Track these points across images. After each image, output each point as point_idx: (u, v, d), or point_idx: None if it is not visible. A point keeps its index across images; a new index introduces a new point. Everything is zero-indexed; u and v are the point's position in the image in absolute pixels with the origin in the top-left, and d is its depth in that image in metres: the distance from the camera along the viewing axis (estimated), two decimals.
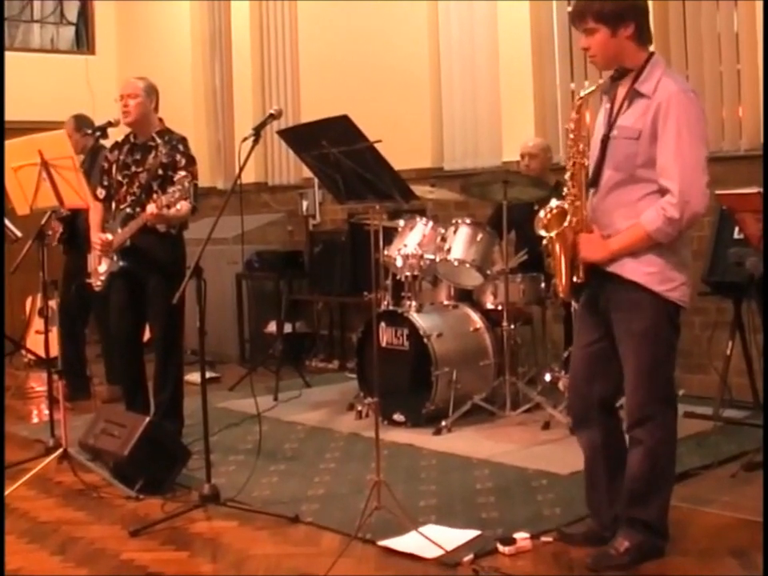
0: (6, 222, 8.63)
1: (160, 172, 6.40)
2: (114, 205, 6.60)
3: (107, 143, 7.22)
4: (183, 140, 6.53)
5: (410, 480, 5.79)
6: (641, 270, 4.22)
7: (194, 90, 12.49)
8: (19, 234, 8.73)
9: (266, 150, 11.36)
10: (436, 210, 9.03)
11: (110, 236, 6.44)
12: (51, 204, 6.09)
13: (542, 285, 7.29)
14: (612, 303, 4.31)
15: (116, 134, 6.98)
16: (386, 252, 7.38)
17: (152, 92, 6.57)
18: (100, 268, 6.57)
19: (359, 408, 7.37)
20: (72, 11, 13.36)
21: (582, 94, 4.36)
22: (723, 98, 7.67)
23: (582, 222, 4.33)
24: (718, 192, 6.05)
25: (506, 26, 8.96)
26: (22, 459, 6.24)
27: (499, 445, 6.52)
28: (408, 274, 7.33)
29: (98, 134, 7.08)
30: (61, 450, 6.06)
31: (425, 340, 6.98)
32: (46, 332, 6.42)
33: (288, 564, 4.61)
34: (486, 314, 7.43)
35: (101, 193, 6.68)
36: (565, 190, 4.38)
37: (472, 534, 4.78)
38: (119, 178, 6.57)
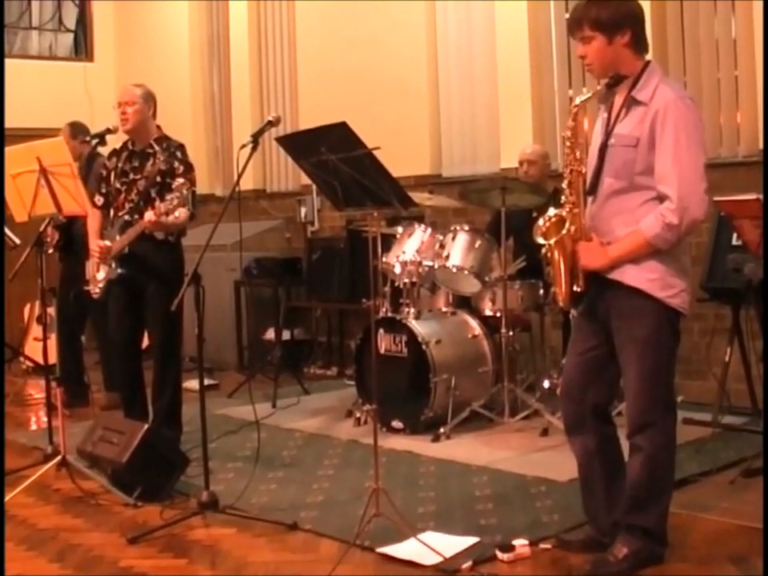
0: (5, 229, 8.63)
1: (158, 179, 6.40)
2: (112, 212, 6.61)
3: (105, 150, 7.22)
4: (181, 147, 6.53)
5: (409, 487, 5.79)
6: (642, 277, 4.22)
7: (192, 96, 12.49)
8: (18, 240, 8.73)
9: (264, 156, 11.37)
10: (434, 216, 9.02)
11: (108, 243, 6.44)
12: (49, 211, 6.09)
13: (541, 291, 7.29)
14: (613, 310, 4.31)
15: (114, 141, 6.97)
16: (384, 259, 7.37)
17: (150, 99, 6.57)
18: (98, 275, 6.56)
19: (358, 415, 7.37)
20: (70, 18, 13.38)
21: (578, 101, 4.37)
22: (721, 104, 7.67)
23: (580, 230, 4.33)
24: (716, 198, 6.05)
25: (504, 32, 8.97)
26: (20, 466, 6.24)
27: (498, 451, 6.52)
28: (406, 280, 7.33)
29: (96, 141, 7.08)
30: (59, 457, 6.05)
31: (423, 347, 6.98)
32: (45, 339, 6.41)
33: (286, 571, 4.61)
34: (484, 321, 7.43)
35: (99, 200, 6.68)
36: (563, 198, 4.38)
37: (471, 540, 4.78)
38: (117, 185, 6.57)
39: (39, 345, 6.72)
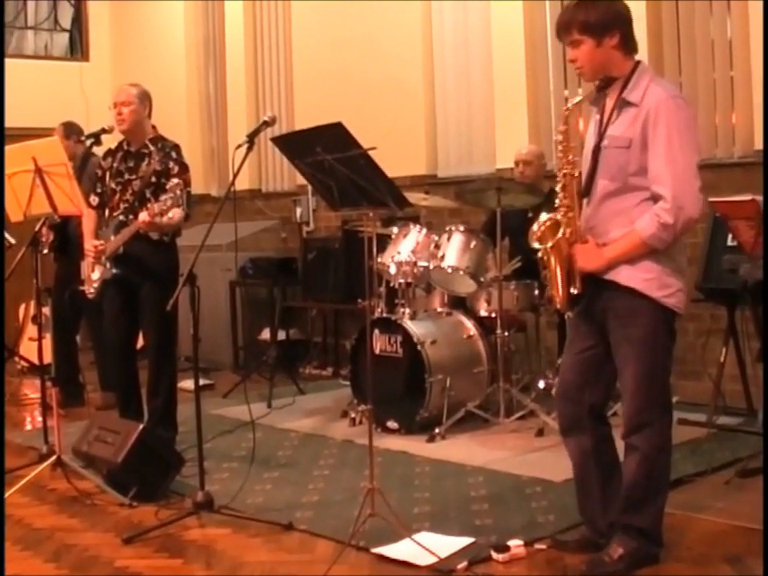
0: None
1: (153, 179, 6.41)
2: (107, 212, 6.61)
3: (100, 150, 7.21)
4: (176, 147, 6.53)
5: (404, 487, 5.79)
6: (638, 277, 4.22)
7: (187, 96, 12.49)
8: (13, 240, 8.72)
9: (259, 156, 11.37)
10: (430, 217, 9.03)
11: (103, 243, 6.44)
12: (45, 211, 6.08)
13: (536, 292, 7.29)
14: (609, 311, 4.31)
15: (109, 141, 6.97)
16: (379, 259, 7.37)
17: (145, 99, 6.57)
18: (93, 275, 6.56)
19: (353, 415, 7.36)
20: (66, 18, 13.37)
21: (570, 105, 4.38)
22: (716, 104, 7.68)
23: (576, 233, 4.33)
24: (711, 199, 6.07)
25: (499, 33, 8.98)
26: (15, 466, 6.22)
27: (493, 452, 6.52)
28: (402, 281, 7.33)
29: (91, 141, 7.08)
30: (54, 457, 6.05)
31: (418, 347, 6.98)
32: (40, 339, 6.41)
33: (282, 571, 4.61)
34: (479, 321, 7.43)
35: (94, 200, 6.68)
36: (557, 201, 4.38)
37: (466, 541, 4.78)
38: (112, 185, 6.57)
39: (34, 345, 6.73)
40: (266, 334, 10.04)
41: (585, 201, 4.38)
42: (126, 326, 6.64)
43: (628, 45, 4.30)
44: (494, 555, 4.57)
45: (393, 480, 5.88)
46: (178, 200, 5.85)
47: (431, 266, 7.26)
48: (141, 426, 5.83)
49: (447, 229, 7.36)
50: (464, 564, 4.50)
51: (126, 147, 6.62)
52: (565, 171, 4.34)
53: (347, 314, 9.85)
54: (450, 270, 7.19)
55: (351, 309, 9.12)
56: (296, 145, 5.29)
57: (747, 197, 5.73)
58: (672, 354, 4.42)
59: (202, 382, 6.13)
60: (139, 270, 6.43)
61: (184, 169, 6.44)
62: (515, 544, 4.63)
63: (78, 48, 13.47)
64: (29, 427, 7.93)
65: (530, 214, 6.84)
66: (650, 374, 4.28)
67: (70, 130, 8.28)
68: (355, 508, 4.94)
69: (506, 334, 7.16)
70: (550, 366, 7.53)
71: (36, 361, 6.64)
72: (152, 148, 6.50)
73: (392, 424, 7.09)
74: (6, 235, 8.78)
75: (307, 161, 5.11)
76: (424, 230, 7.50)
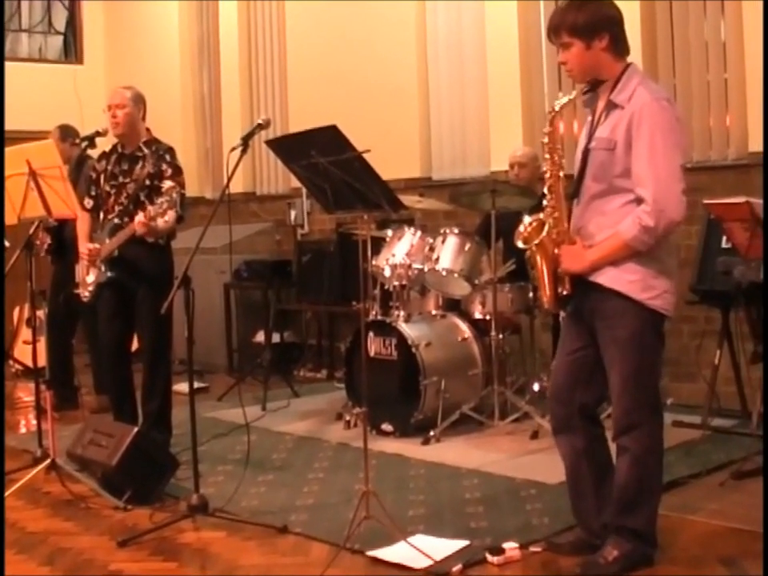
0: None
1: (147, 182, 6.40)
2: (101, 215, 6.60)
3: (95, 153, 7.21)
4: (170, 150, 6.52)
5: (399, 490, 5.79)
6: (623, 279, 4.23)
7: (182, 99, 12.48)
8: (7, 243, 8.71)
9: (254, 159, 11.37)
10: (424, 219, 9.04)
11: (97, 246, 6.44)
12: (39, 214, 6.09)
13: (530, 294, 7.28)
14: (596, 312, 4.32)
15: (103, 144, 6.97)
16: (374, 262, 7.37)
17: (139, 101, 6.57)
18: (88, 278, 6.56)
19: (347, 418, 7.37)
20: (60, 20, 13.36)
21: (557, 107, 4.39)
22: (710, 107, 7.68)
23: (562, 234, 4.35)
24: (705, 201, 6.10)
25: (494, 35, 8.98)
26: (9, 469, 6.21)
27: (488, 454, 6.52)
28: (396, 283, 7.33)
29: (85, 143, 7.08)
30: (49, 461, 6.04)
31: (413, 349, 6.98)
32: (34, 342, 6.38)
33: (277, 574, 4.60)
34: (474, 324, 7.43)
35: (88, 203, 6.67)
36: (544, 201, 4.40)
37: (461, 543, 4.78)
38: (107, 188, 6.57)
39: (28, 348, 6.71)
40: (260, 337, 10.02)
41: (574, 202, 4.40)
42: (120, 328, 6.63)
43: (618, 47, 4.31)
44: (489, 558, 4.58)
45: (387, 483, 5.87)
46: (173, 203, 5.85)
47: (426, 269, 7.26)
48: (135, 429, 5.83)
49: (442, 231, 7.36)
50: (459, 567, 4.50)
51: (120, 150, 6.61)
52: (551, 172, 4.36)
53: (342, 317, 9.85)
54: (444, 273, 7.19)
55: (346, 311, 9.12)
56: (290, 148, 5.29)
57: (741, 199, 5.74)
58: (661, 355, 4.44)
59: (196, 384, 6.12)
60: (134, 273, 6.43)
61: (178, 171, 6.43)
62: (510, 546, 4.63)
63: (72, 51, 13.46)
64: (23, 430, 7.92)
65: (525, 216, 6.84)
66: (637, 375, 4.28)
67: (66, 133, 8.27)
68: (350, 511, 4.95)
69: (501, 336, 7.16)
70: (544, 369, 7.52)
71: (30, 364, 6.63)
72: (146, 151, 6.49)
73: (387, 427, 7.09)
74: None
75: (302, 164, 5.11)
76: (418, 233, 7.50)
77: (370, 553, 4.69)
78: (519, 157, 7.75)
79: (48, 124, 8.64)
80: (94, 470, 5.91)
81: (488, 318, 7.23)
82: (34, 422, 6.78)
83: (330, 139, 4.90)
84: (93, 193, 6.68)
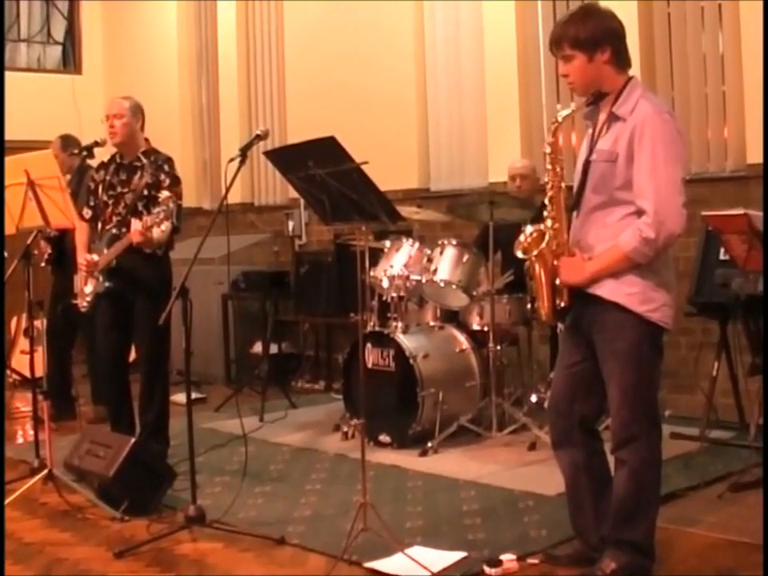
0: None
1: (145, 192, 6.40)
2: (100, 225, 6.60)
3: (93, 163, 7.21)
4: (169, 160, 6.52)
5: (397, 501, 5.78)
6: (621, 291, 4.23)
7: (180, 109, 12.49)
8: (5, 253, 8.70)
9: (252, 170, 11.38)
10: (422, 230, 9.03)
11: (95, 257, 6.43)
12: (37, 224, 6.08)
13: (528, 305, 7.27)
14: (594, 325, 4.32)
15: (102, 154, 6.97)
16: (372, 273, 7.37)
17: (138, 111, 6.57)
18: (86, 289, 6.55)
19: (345, 429, 7.36)
20: (59, 30, 13.38)
21: (560, 118, 4.39)
22: (708, 119, 7.70)
23: (562, 245, 4.35)
24: (703, 213, 6.10)
25: (492, 47, 9.00)
26: (6, 480, 6.18)
27: (485, 466, 6.51)
28: (394, 294, 7.32)
29: (84, 154, 7.08)
30: (46, 471, 6.02)
31: (411, 361, 6.97)
32: (32, 352, 6.38)
33: None
34: (472, 335, 7.43)
35: (87, 213, 6.67)
36: (545, 212, 4.40)
37: (458, 555, 4.77)
38: (105, 198, 6.57)
39: (26, 358, 6.71)
40: (258, 348, 10.02)
41: (574, 214, 4.39)
42: (118, 339, 6.62)
43: (620, 60, 4.32)
44: (487, 569, 4.57)
45: (385, 494, 5.87)
46: (170, 213, 5.85)
47: (424, 280, 7.26)
48: (132, 440, 5.82)
49: (440, 242, 7.36)
50: None
51: (118, 160, 6.61)
52: (552, 183, 4.36)
53: (339, 328, 9.85)
54: (442, 284, 7.19)
55: (343, 322, 9.12)
56: (288, 159, 5.29)
57: (739, 211, 5.74)
58: (659, 368, 4.42)
59: (194, 395, 6.11)
60: (132, 284, 6.43)
61: (176, 181, 6.43)
62: (508, 558, 4.63)
63: (70, 61, 13.48)
64: (20, 441, 7.91)
65: (523, 228, 6.83)
66: (635, 388, 4.27)
67: (67, 143, 8.27)
68: (347, 522, 4.93)
69: (499, 347, 7.15)
70: (542, 380, 7.53)
71: (28, 374, 6.62)
72: (144, 161, 6.49)
73: (384, 438, 7.08)
74: None
75: (300, 175, 5.11)
76: (416, 244, 7.50)
77: (368, 564, 4.68)
78: (521, 168, 7.75)
79: (47, 134, 8.65)
80: (91, 480, 5.91)
81: (486, 329, 7.22)
82: (32, 432, 6.76)
83: (328, 150, 4.90)
84: (91, 203, 6.68)
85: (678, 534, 4.99)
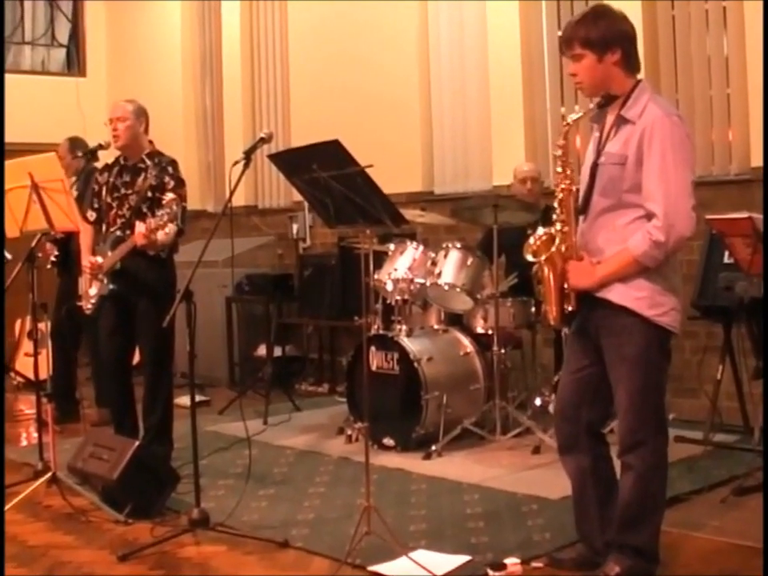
0: None
1: (149, 194, 6.39)
2: (104, 227, 6.59)
3: (97, 165, 7.20)
4: (173, 162, 6.52)
5: (400, 505, 5.78)
6: (630, 295, 4.22)
7: (184, 112, 12.51)
8: (9, 256, 8.71)
9: (256, 173, 11.37)
10: (426, 234, 9.04)
11: (99, 259, 6.43)
12: (41, 226, 6.08)
13: (532, 309, 7.28)
14: (602, 329, 4.30)
15: (106, 156, 6.97)
16: (376, 276, 7.38)
17: (141, 114, 6.57)
18: (91, 291, 6.55)
19: (349, 432, 7.35)
20: (63, 33, 13.39)
21: (570, 120, 4.38)
22: (713, 122, 7.69)
23: (571, 249, 4.33)
24: (708, 216, 6.08)
25: (496, 50, 9.00)
26: (10, 483, 6.19)
27: (489, 469, 6.51)
28: (398, 298, 7.33)
29: (88, 156, 7.07)
30: (50, 474, 6.03)
31: (415, 364, 6.97)
32: (36, 354, 6.37)
33: None
34: (476, 338, 7.42)
35: (91, 215, 6.67)
36: (554, 216, 4.38)
37: (462, 559, 4.76)
38: (109, 200, 6.56)
39: (30, 360, 6.70)
40: (262, 351, 10.02)
41: (581, 218, 4.38)
42: (121, 341, 6.62)
43: (629, 63, 4.31)
44: (490, 573, 4.56)
45: (389, 497, 5.87)
46: (174, 215, 5.85)
47: (428, 283, 7.26)
48: (136, 443, 5.82)
49: (444, 246, 7.36)
50: None
51: (122, 162, 6.61)
52: (563, 186, 4.34)
53: (343, 331, 9.85)
54: (446, 287, 7.19)
55: (347, 325, 9.11)
56: (292, 162, 5.29)
57: (744, 214, 5.74)
58: (666, 373, 4.41)
59: (197, 398, 6.11)
60: (136, 286, 6.42)
61: (180, 184, 6.43)
62: (511, 562, 4.62)
63: (75, 63, 13.50)
64: (24, 443, 7.91)
65: (529, 231, 6.83)
66: (643, 392, 4.26)
67: (75, 145, 8.28)
68: (351, 526, 4.93)
69: (503, 351, 7.15)
70: (546, 384, 7.53)
71: (32, 376, 6.62)
72: (148, 163, 6.49)
73: (388, 441, 7.08)
74: None
75: (304, 178, 5.11)
76: (421, 247, 7.50)
77: (371, 568, 4.68)
78: (530, 171, 7.75)
79: (51, 136, 8.66)
80: (94, 483, 5.91)
81: (490, 332, 7.22)
82: (35, 434, 6.78)
83: (332, 154, 4.90)
84: (95, 205, 6.68)
85: (682, 537, 4.98)
